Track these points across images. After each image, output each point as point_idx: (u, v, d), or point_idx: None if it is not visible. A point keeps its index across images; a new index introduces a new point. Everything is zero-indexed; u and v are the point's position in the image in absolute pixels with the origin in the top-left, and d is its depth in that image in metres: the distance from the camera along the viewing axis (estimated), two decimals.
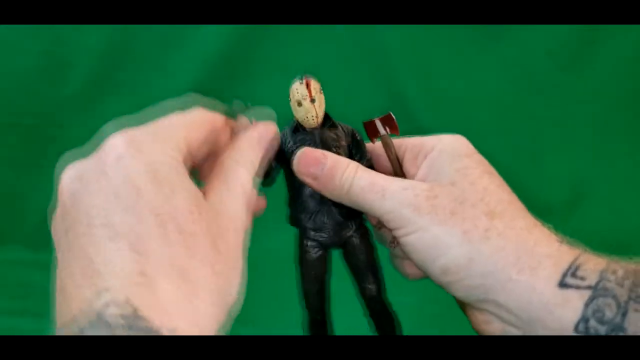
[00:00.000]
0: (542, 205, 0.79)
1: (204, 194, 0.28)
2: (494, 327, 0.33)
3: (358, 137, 0.39)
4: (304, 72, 0.36)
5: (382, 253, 0.40)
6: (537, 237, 0.31)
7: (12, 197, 0.97)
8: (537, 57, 0.95)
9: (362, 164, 0.38)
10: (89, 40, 0.95)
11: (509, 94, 0.95)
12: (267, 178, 0.37)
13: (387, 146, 0.38)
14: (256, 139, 0.33)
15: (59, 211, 0.27)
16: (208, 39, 0.96)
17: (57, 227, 0.27)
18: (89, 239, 0.24)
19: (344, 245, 0.39)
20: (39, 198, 0.97)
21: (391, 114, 0.37)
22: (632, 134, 0.97)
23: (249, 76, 0.98)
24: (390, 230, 0.34)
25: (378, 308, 0.39)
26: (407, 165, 0.36)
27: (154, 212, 0.24)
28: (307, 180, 0.35)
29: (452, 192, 0.32)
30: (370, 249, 0.39)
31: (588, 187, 0.95)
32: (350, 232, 0.38)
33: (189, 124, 0.29)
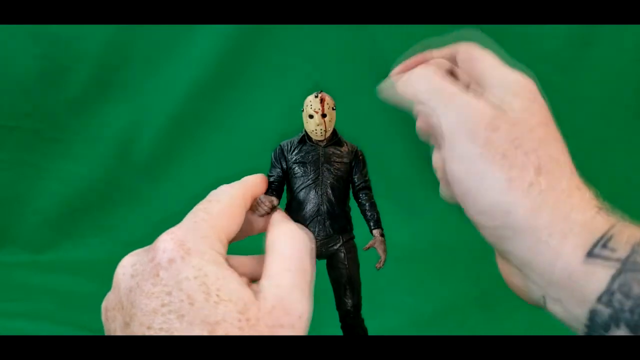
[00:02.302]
0: None
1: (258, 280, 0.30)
2: (517, 281, 0.32)
3: (360, 157, 0.40)
4: (321, 89, 0.38)
5: (365, 271, 0.40)
6: (575, 202, 0.30)
7: (11, 199, 0.97)
8: (536, 58, 0.94)
9: (359, 185, 0.40)
10: (88, 43, 0.95)
11: None
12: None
13: None
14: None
15: (116, 303, 0.29)
16: (206, 40, 0.96)
17: (112, 316, 0.29)
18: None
19: (330, 258, 0.40)
20: (38, 200, 0.97)
21: None
22: (632, 135, 0.97)
23: (248, 76, 0.98)
24: (436, 140, 0.32)
25: (350, 322, 0.41)
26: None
27: (204, 321, 0.27)
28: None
29: (512, 133, 0.30)
30: (353, 264, 0.40)
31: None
32: (337, 245, 0.39)
33: (225, 214, 0.32)
